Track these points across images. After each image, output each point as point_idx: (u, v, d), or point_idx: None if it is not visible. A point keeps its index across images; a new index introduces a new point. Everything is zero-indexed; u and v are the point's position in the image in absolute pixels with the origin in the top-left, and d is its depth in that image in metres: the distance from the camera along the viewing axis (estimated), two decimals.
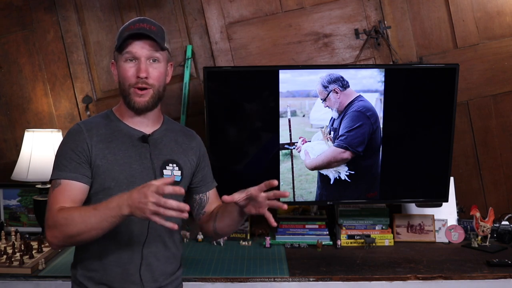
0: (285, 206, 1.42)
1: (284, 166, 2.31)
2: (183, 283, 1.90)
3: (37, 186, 2.42)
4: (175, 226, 1.27)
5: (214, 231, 1.65)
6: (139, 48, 1.50)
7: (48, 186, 2.40)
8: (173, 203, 1.25)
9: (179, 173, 1.60)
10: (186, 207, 1.26)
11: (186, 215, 1.27)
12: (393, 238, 2.45)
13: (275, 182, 1.42)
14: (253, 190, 1.44)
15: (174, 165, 1.60)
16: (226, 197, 1.40)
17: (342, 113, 2.28)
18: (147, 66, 1.51)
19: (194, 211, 1.74)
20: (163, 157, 1.59)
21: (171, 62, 1.63)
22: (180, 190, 1.29)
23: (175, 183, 1.61)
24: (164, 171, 1.58)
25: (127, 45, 1.51)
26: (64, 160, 1.49)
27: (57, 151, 1.54)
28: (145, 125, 1.59)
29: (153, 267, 1.57)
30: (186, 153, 1.65)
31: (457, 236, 2.46)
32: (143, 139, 1.56)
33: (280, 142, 2.29)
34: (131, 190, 1.31)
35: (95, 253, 1.54)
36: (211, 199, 1.74)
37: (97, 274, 1.54)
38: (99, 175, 1.50)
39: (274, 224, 1.44)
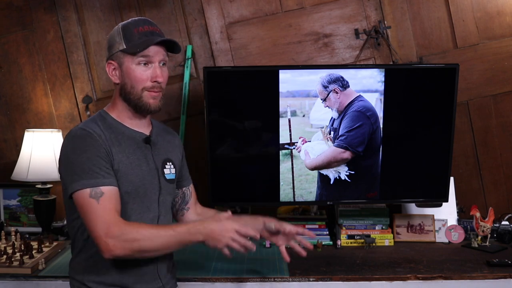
0: (304, 253, 1.71)
1: (284, 166, 2.31)
2: (183, 283, 1.92)
3: (37, 186, 2.42)
4: (230, 255, 1.50)
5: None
6: (155, 53, 1.51)
7: (49, 186, 2.40)
8: (249, 244, 1.45)
9: (174, 170, 1.65)
10: (254, 247, 1.46)
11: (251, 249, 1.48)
12: (393, 238, 2.45)
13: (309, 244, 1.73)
14: (290, 228, 1.70)
15: (170, 163, 1.64)
16: (276, 224, 1.71)
17: (342, 113, 2.28)
18: (160, 69, 1.53)
19: (177, 206, 1.78)
20: (162, 157, 1.62)
21: None
22: (253, 246, 1.47)
23: (173, 181, 1.66)
24: (165, 170, 1.61)
25: (147, 50, 1.49)
26: (93, 166, 1.42)
27: (74, 159, 1.44)
28: (143, 126, 1.60)
29: (166, 267, 1.62)
30: (175, 151, 1.70)
31: (457, 236, 2.46)
32: (146, 141, 1.58)
33: (280, 142, 2.29)
34: (208, 222, 1.48)
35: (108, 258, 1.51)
36: (193, 195, 1.82)
37: (110, 277, 1.51)
38: (118, 179, 1.48)
39: (288, 259, 1.69)
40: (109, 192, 1.42)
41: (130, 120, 1.57)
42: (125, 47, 1.50)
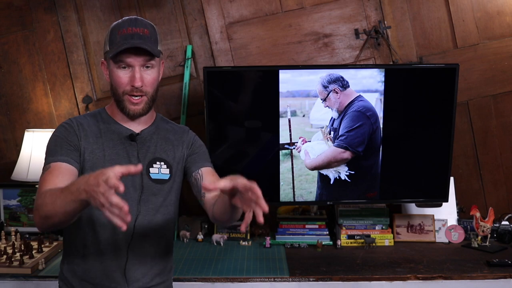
0: (261, 220, 1.24)
1: (284, 166, 2.31)
2: (183, 283, 1.90)
3: (37, 186, 2.41)
4: (123, 227, 1.09)
5: (212, 216, 1.54)
6: (133, 58, 1.48)
7: None
8: (114, 199, 1.07)
9: (167, 171, 1.59)
10: (126, 207, 1.08)
11: (127, 218, 1.09)
12: (393, 238, 2.45)
13: (258, 191, 1.26)
14: (240, 185, 1.23)
15: (162, 163, 1.59)
16: (206, 185, 1.21)
17: (342, 113, 2.28)
18: (141, 73, 1.49)
19: (198, 196, 1.63)
20: (150, 155, 1.58)
21: (162, 60, 1.61)
22: (120, 186, 1.08)
23: (163, 181, 1.58)
24: (151, 169, 1.57)
25: (121, 56, 1.47)
26: (55, 146, 1.49)
27: (48, 142, 1.53)
28: (136, 124, 1.59)
29: (138, 266, 1.55)
30: (176, 149, 1.63)
31: (457, 236, 2.46)
32: (131, 138, 1.56)
33: (280, 142, 2.29)
34: (91, 173, 1.15)
35: (79, 248, 1.54)
36: (206, 176, 1.61)
37: (79, 269, 1.54)
38: (85, 169, 1.50)
39: (261, 220, 1.23)
40: (55, 167, 1.44)
41: (121, 117, 1.58)
42: (108, 49, 1.51)
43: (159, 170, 1.58)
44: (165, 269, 1.63)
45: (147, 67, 1.51)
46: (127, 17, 1.54)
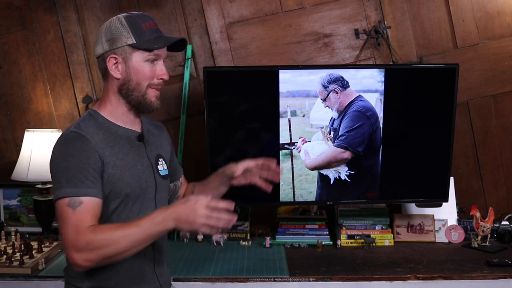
0: (279, 179, 1.63)
1: (284, 166, 2.31)
2: (183, 283, 1.91)
3: (37, 186, 2.42)
4: (224, 237, 1.42)
5: None
6: (163, 51, 1.50)
7: (49, 186, 2.40)
8: (225, 216, 1.31)
9: (165, 166, 1.60)
10: (234, 218, 1.33)
11: (231, 225, 1.34)
12: (393, 238, 2.45)
13: (274, 165, 1.63)
14: (251, 163, 1.62)
15: (162, 159, 1.60)
16: (239, 172, 1.61)
17: (342, 113, 2.28)
18: (164, 67, 1.51)
19: (171, 198, 1.74)
20: (154, 153, 1.57)
21: None
22: (231, 205, 1.34)
23: (167, 177, 1.61)
24: (158, 167, 1.56)
25: (159, 50, 1.47)
26: (79, 174, 1.34)
27: (61, 164, 1.37)
28: (135, 123, 1.56)
29: (163, 266, 1.59)
30: (164, 146, 1.66)
31: (457, 236, 2.46)
32: (140, 138, 1.53)
33: (280, 142, 2.29)
34: (173, 205, 1.34)
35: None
36: (183, 183, 1.79)
37: (111, 282, 1.47)
38: (114, 183, 1.42)
39: (269, 189, 1.60)
40: (89, 202, 1.34)
41: (123, 118, 1.50)
42: (135, 42, 1.43)
43: (163, 166, 1.59)
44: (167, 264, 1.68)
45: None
46: (136, 12, 1.53)
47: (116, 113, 1.50)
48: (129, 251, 1.32)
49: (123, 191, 1.44)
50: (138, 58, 1.44)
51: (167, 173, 1.61)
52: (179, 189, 1.77)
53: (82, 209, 1.32)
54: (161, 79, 1.49)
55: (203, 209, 1.29)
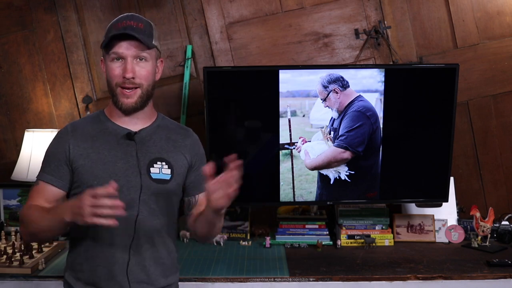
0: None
1: (284, 166, 2.31)
2: (183, 283, 1.89)
3: None
4: (114, 222, 1.28)
5: (194, 231, 1.61)
6: (125, 49, 1.48)
7: None
8: (106, 201, 1.26)
9: (168, 171, 1.56)
10: (120, 203, 1.27)
11: (121, 211, 1.28)
12: (393, 238, 2.45)
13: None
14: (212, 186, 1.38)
15: (163, 163, 1.56)
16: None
17: (342, 113, 2.28)
18: (134, 65, 1.49)
19: (184, 210, 1.69)
20: (150, 155, 1.55)
21: (161, 59, 1.60)
22: (112, 189, 1.27)
23: (164, 181, 1.56)
24: (152, 169, 1.54)
25: (113, 45, 1.49)
26: (46, 161, 1.56)
27: (46, 149, 1.60)
28: (134, 123, 1.57)
29: (141, 268, 1.54)
30: (178, 151, 1.60)
31: (457, 236, 2.46)
32: (128, 137, 1.54)
33: (280, 142, 2.29)
34: (74, 199, 1.38)
35: (82, 254, 1.54)
36: (200, 203, 1.63)
37: (84, 274, 1.54)
38: (82, 174, 1.51)
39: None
40: (42, 186, 1.53)
41: (118, 116, 1.57)
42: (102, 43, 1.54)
43: (160, 170, 1.56)
44: (169, 271, 1.61)
45: (140, 59, 1.51)
46: (125, 14, 1.55)
47: (114, 112, 1.58)
48: (44, 233, 1.47)
49: (89, 182, 1.50)
50: (107, 60, 1.53)
51: (165, 178, 1.56)
52: (193, 207, 1.64)
53: (35, 189, 1.54)
54: (124, 77, 1.48)
55: (87, 199, 1.27)
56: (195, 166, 1.64)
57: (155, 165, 1.55)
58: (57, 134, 1.60)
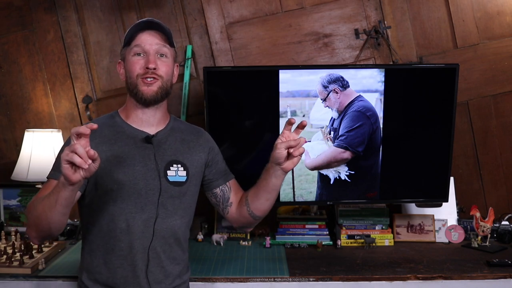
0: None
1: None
2: None
3: (37, 186, 2.42)
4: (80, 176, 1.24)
5: (250, 215, 1.63)
6: (148, 43, 1.53)
7: None
8: (79, 148, 1.20)
9: (184, 173, 1.59)
10: (95, 154, 1.23)
11: (93, 165, 1.24)
12: (393, 238, 2.45)
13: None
14: (282, 143, 1.54)
15: (179, 165, 1.59)
16: (282, 158, 1.55)
17: (342, 113, 2.28)
18: (156, 59, 1.54)
19: (220, 207, 1.72)
20: (167, 158, 1.58)
21: (177, 64, 1.65)
22: (91, 126, 1.25)
23: (180, 184, 1.59)
24: (168, 171, 1.57)
25: (136, 38, 1.54)
26: (58, 161, 1.46)
27: (60, 150, 1.57)
28: (150, 125, 1.59)
29: (160, 269, 1.57)
30: (193, 152, 1.64)
31: (457, 236, 2.46)
32: (147, 140, 1.56)
33: None
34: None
35: (100, 256, 1.54)
36: (234, 189, 1.72)
37: (103, 276, 1.54)
38: (101, 177, 1.50)
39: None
40: (53, 183, 1.46)
41: (136, 118, 1.59)
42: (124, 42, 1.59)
43: (176, 173, 1.58)
44: (183, 270, 1.66)
45: (161, 55, 1.55)
46: (146, 19, 1.61)
47: (130, 114, 1.60)
48: (44, 214, 1.36)
49: (109, 186, 1.50)
50: (129, 55, 1.55)
51: (181, 180, 1.58)
52: (230, 195, 1.71)
53: (44, 186, 1.51)
54: (147, 68, 1.52)
55: (65, 155, 1.22)
56: (214, 159, 1.70)
57: (171, 168, 1.58)
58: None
